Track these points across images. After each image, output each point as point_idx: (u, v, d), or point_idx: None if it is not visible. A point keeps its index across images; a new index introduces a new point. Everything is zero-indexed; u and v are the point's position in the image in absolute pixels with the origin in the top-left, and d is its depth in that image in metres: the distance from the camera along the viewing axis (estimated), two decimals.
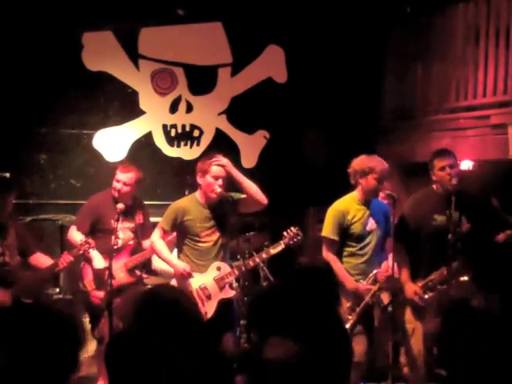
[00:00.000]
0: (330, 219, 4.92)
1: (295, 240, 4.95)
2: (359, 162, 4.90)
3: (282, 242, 4.95)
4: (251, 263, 4.93)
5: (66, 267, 4.98)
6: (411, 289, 4.79)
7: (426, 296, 4.78)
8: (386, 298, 4.99)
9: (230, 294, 4.88)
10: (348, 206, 4.93)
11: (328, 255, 4.90)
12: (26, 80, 6.55)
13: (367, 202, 4.95)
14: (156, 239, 4.94)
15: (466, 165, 6.38)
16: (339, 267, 4.85)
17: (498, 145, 6.08)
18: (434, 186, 4.99)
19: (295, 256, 6.93)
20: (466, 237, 4.84)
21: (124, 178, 5.30)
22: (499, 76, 6.18)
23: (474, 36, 6.52)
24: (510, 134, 5.89)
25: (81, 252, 5.00)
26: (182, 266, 4.78)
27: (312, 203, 7.22)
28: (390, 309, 4.81)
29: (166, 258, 4.92)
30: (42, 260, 5.04)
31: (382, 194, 5.31)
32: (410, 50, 7.32)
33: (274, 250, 4.96)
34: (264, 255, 4.95)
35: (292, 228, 4.95)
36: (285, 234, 4.95)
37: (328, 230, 4.91)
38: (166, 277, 5.44)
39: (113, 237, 4.95)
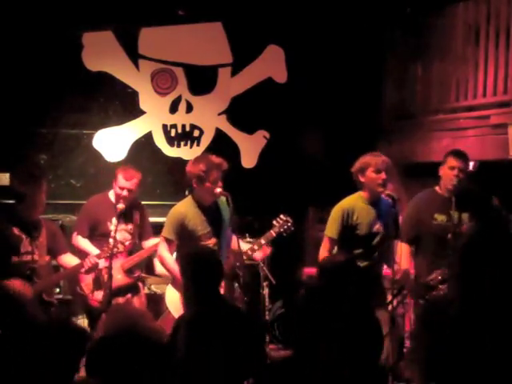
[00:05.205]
0: (333, 218, 4.84)
1: (285, 227, 4.82)
2: (355, 163, 4.87)
3: (272, 231, 4.81)
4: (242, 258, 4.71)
5: (90, 268, 4.97)
6: None
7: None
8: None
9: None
10: (353, 204, 4.84)
11: (323, 253, 4.77)
12: (26, 80, 6.55)
13: (374, 201, 4.86)
14: (165, 253, 4.76)
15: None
16: None
17: (498, 145, 6.07)
18: (437, 188, 5.04)
19: (295, 255, 6.94)
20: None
21: (128, 185, 5.25)
22: (499, 76, 6.17)
23: (474, 36, 6.51)
24: (509, 134, 5.88)
25: (109, 254, 4.88)
26: None
27: (312, 203, 7.22)
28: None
29: (177, 277, 4.65)
30: (70, 261, 5.02)
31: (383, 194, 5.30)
32: (410, 49, 7.32)
33: (264, 241, 4.82)
34: (255, 247, 4.82)
35: (281, 216, 4.84)
36: (274, 222, 4.84)
37: (329, 228, 4.83)
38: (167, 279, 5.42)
39: (110, 240, 4.87)
